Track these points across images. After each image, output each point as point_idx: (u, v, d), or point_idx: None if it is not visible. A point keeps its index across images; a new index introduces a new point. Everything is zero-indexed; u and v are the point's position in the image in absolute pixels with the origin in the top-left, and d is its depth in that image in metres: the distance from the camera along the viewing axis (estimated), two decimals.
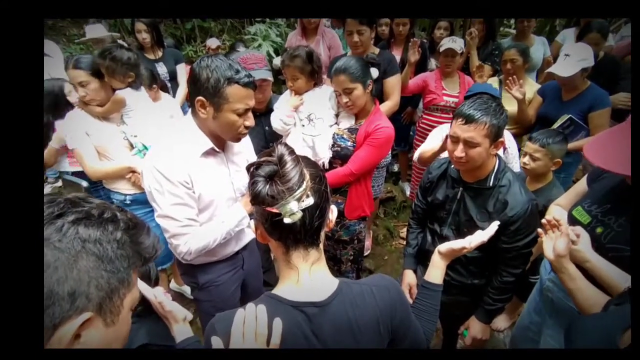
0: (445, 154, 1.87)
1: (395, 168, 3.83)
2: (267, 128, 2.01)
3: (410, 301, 1.00)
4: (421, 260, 1.63)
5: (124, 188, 1.94)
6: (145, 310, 1.03)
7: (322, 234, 0.78)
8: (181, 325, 0.98)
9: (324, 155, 1.83)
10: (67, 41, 5.18)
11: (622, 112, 2.39)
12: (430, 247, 1.53)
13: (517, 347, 1.71)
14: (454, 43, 2.54)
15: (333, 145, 1.83)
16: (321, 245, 0.79)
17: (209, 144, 1.29)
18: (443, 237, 1.48)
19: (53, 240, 0.47)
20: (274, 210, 0.68)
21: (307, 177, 0.71)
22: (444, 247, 1.03)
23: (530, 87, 2.55)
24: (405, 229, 2.09)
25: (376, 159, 1.81)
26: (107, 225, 0.52)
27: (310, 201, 0.69)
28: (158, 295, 0.98)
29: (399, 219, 3.35)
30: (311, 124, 1.87)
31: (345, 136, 1.81)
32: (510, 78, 2.36)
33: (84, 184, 2.01)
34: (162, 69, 3.05)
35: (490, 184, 1.37)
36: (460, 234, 1.39)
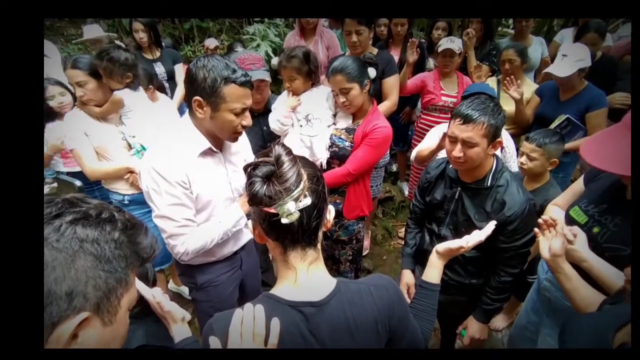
0: (443, 154, 1.87)
1: (394, 168, 3.83)
2: (265, 128, 2.01)
3: (408, 301, 1.00)
4: (419, 260, 1.64)
5: (122, 188, 1.94)
6: (142, 311, 1.02)
7: (320, 234, 0.79)
8: (180, 325, 0.98)
9: (321, 156, 1.83)
10: (64, 41, 5.17)
11: (620, 112, 2.40)
12: (429, 247, 1.54)
13: (515, 346, 1.71)
14: (452, 43, 2.55)
15: (331, 146, 1.83)
16: (319, 245, 0.79)
17: (206, 144, 1.29)
18: (441, 237, 1.48)
19: (51, 240, 0.48)
20: (272, 210, 0.68)
21: (305, 177, 0.71)
22: (441, 246, 1.03)
23: (528, 87, 2.56)
24: (403, 229, 2.09)
25: (374, 159, 1.81)
26: (105, 226, 0.53)
27: (307, 201, 0.70)
28: (156, 296, 0.98)
29: (397, 219, 3.36)
30: (309, 124, 1.87)
31: (343, 136, 1.81)
32: (508, 78, 2.37)
33: (77, 183, 2.02)
34: (160, 69, 3.05)
35: (488, 184, 1.38)
36: (458, 233, 1.39)
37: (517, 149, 2.08)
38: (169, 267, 2.41)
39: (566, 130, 2.21)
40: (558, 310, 1.36)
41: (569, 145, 2.08)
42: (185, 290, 2.39)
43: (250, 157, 1.56)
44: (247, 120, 1.28)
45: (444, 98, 2.65)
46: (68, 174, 2.21)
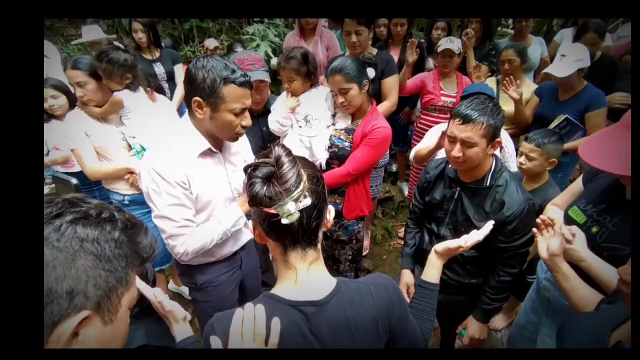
0: (442, 153, 1.87)
1: (394, 168, 3.83)
2: (264, 129, 2.01)
3: (408, 300, 1.00)
4: (419, 259, 1.64)
5: (122, 188, 1.95)
6: (142, 311, 1.03)
7: (320, 234, 0.79)
8: (181, 324, 0.99)
9: (321, 156, 1.83)
10: (64, 41, 5.17)
11: (619, 112, 2.40)
12: (428, 247, 1.54)
13: (515, 346, 1.72)
14: (452, 43, 2.55)
15: (330, 146, 1.83)
16: (319, 245, 0.79)
17: (206, 145, 1.30)
18: (440, 236, 1.48)
19: (51, 240, 0.48)
20: (272, 211, 0.69)
21: (305, 178, 0.71)
22: (440, 246, 1.03)
23: (528, 88, 2.56)
24: (403, 229, 2.10)
25: (373, 159, 1.81)
26: (105, 225, 0.53)
27: (307, 202, 0.70)
28: (158, 295, 0.98)
29: (397, 219, 3.36)
30: (308, 125, 1.87)
31: (342, 137, 1.81)
32: (507, 78, 2.37)
33: (74, 181, 2.04)
34: (159, 70, 3.05)
35: (487, 184, 1.38)
36: (457, 233, 1.39)
37: (516, 149, 2.08)
38: (169, 268, 2.41)
39: (565, 130, 2.21)
40: (557, 309, 1.37)
41: (568, 145, 2.08)
42: (185, 290, 2.39)
43: (250, 158, 1.56)
44: (247, 120, 1.28)
45: (443, 98, 2.66)
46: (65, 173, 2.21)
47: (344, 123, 1.84)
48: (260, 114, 2.00)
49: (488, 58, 3.02)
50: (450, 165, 1.47)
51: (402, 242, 1.78)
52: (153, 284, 1.15)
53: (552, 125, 2.23)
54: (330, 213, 0.81)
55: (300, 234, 0.73)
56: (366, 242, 2.92)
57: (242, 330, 0.68)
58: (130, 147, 1.93)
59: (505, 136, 2.00)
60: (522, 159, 1.85)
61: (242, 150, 1.51)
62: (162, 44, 3.17)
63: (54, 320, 0.47)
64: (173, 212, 1.26)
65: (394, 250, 3.03)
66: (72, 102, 2.21)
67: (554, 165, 1.84)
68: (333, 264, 2.06)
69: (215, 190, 1.36)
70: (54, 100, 2.18)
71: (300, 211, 0.69)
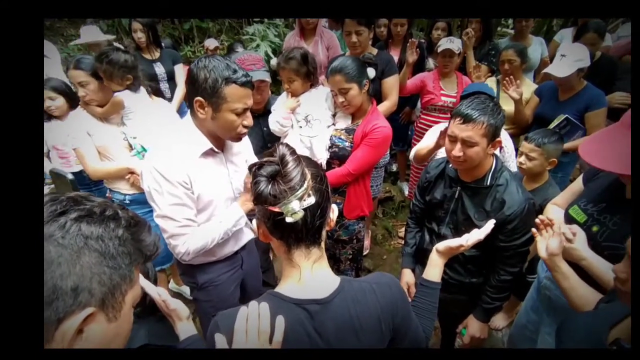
0: (442, 153, 1.88)
1: (394, 168, 3.83)
2: (265, 129, 2.01)
3: (409, 300, 1.00)
4: (419, 259, 1.64)
5: (124, 188, 1.96)
6: (144, 311, 1.03)
7: (324, 233, 0.79)
8: (185, 323, 0.99)
9: (321, 156, 1.83)
10: (64, 41, 5.17)
11: (619, 112, 2.40)
12: (429, 246, 1.54)
13: (515, 345, 1.72)
14: (452, 43, 2.55)
15: (331, 146, 1.83)
16: (322, 244, 0.80)
17: (208, 145, 1.30)
18: (441, 236, 1.49)
19: (56, 237, 0.48)
20: (276, 209, 0.69)
21: (309, 176, 0.72)
22: (441, 245, 1.04)
23: (528, 88, 2.56)
24: (403, 229, 2.10)
25: (374, 159, 1.82)
26: (109, 223, 0.53)
27: (311, 200, 0.70)
28: (162, 294, 0.98)
29: (397, 219, 3.36)
30: (308, 125, 1.87)
31: (342, 137, 1.81)
32: (507, 78, 2.37)
33: (69, 176, 2.07)
34: (159, 70, 3.05)
35: (488, 183, 1.38)
36: (458, 233, 1.39)
37: (516, 149, 2.08)
38: (170, 267, 2.42)
39: (565, 130, 2.21)
40: (558, 308, 1.37)
41: (567, 145, 2.09)
42: (186, 290, 2.39)
43: (251, 158, 1.56)
44: (249, 120, 1.28)
45: (443, 98, 2.66)
46: None
47: (344, 123, 1.85)
48: (261, 114, 2.00)
49: (488, 58, 3.03)
50: (450, 165, 1.48)
51: (403, 242, 1.78)
52: (154, 283, 1.15)
53: (552, 125, 2.23)
54: (334, 212, 0.81)
55: (304, 233, 0.73)
56: (367, 242, 2.92)
57: (246, 328, 0.69)
58: (131, 148, 1.93)
59: (504, 136, 2.00)
60: (522, 158, 1.85)
61: (244, 151, 1.51)
62: (162, 44, 3.17)
63: (59, 316, 0.47)
64: (175, 211, 1.26)
65: (395, 250, 3.03)
66: (72, 103, 2.22)
67: (554, 165, 1.84)
68: (334, 264, 2.07)
69: (217, 190, 1.36)
70: (51, 101, 2.20)
71: (305, 210, 0.70)
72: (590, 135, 2.06)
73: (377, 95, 2.32)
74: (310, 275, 0.76)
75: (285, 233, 0.74)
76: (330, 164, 1.86)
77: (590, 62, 2.23)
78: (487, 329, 1.56)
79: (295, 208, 0.68)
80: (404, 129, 3.40)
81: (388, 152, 2.58)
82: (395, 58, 2.71)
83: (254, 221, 0.81)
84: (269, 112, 1.97)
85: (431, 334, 0.98)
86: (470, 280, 1.50)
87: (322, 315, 0.74)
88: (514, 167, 1.99)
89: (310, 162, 0.78)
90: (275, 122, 1.91)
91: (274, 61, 3.87)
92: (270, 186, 0.70)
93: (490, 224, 1.09)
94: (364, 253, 2.83)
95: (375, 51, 2.44)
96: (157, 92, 2.48)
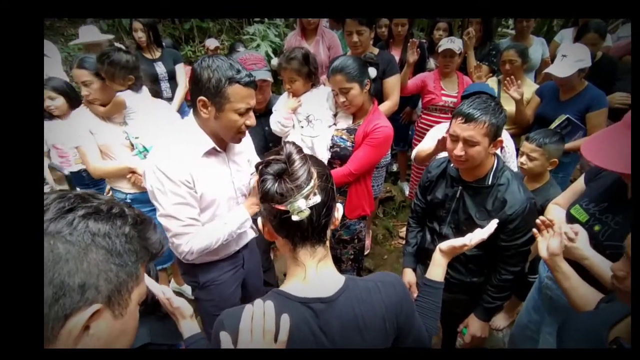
0: (443, 153, 1.88)
1: (395, 168, 3.84)
2: (266, 129, 2.01)
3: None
4: (420, 258, 1.65)
5: (125, 187, 1.96)
6: (146, 310, 1.03)
7: (329, 232, 0.80)
8: (188, 321, 0.99)
9: (323, 156, 1.83)
10: (65, 41, 5.17)
11: (620, 112, 2.41)
12: (430, 246, 1.55)
13: (516, 345, 1.72)
14: (453, 43, 2.56)
15: (332, 146, 1.83)
16: (327, 243, 0.80)
17: (210, 144, 1.30)
18: (442, 235, 1.49)
19: (64, 234, 0.49)
20: (283, 207, 0.69)
21: (315, 175, 0.72)
22: (445, 244, 1.04)
23: (529, 88, 2.57)
24: (404, 229, 2.10)
25: (375, 159, 1.82)
26: (116, 220, 0.54)
27: (317, 199, 0.71)
28: (166, 292, 0.99)
29: (398, 219, 3.37)
30: (310, 125, 1.87)
31: (344, 136, 1.82)
32: (508, 78, 2.38)
33: (66, 172, 2.11)
34: (160, 69, 3.06)
35: (489, 183, 1.39)
36: (459, 232, 1.40)
37: (517, 149, 2.09)
38: (171, 266, 2.42)
39: (566, 130, 2.22)
40: (559, 308, 1.37)
41: (568, 145, 2.09)
42: (187, 289, 2.39)
43: (254, 158, 1.56)
44: (251, 120, 1.28)
45: (444, 98, 2.66)
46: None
47: (345, 123, 1.85)
48: (263, 113, 2.00)
49: (488, 58, 3.03)
50: (452, 164, 1.48)
51: (403, 242, 1.78)
52: (156, 282, 1.15)
53: (553, 125, 2.23)
54: (339, 211, 0.82)
55: (309, 231, 0.73)
56: (367, 242, 2.93)
57: (251, 327, 0.69)
58: (133, 147, 1.93)
59: (505, 136, 2.00)
60: (523, 159, 1.85)
61: (246, 150, 1.51)
62: (163, 44, 3.17)
63: (66, 313, 0.47)
64: (178, 211, 1.26)
65: (395, 250, 3.04)
66: (73, 103, 2.22)
67: (555, 165, 1.84)
68: (335, 264, 2.06)
69: (219, 190, 1.36)
70: (51, 101, 2.21)
71: (311, 208, 0.70)
72: (591, 134, 2.07)
73: (379, 95, 2.33)
74: (315, 274, 0.76)
75: (290, 231, 0.74)
76: (331, 163, 1.86)
77: (591, 63, 2.24)
78: (488, 328, 1.56)
79: (301, 206, 0.69)
80: (404, 129, 3.40)
81: (389, 152, 2.58)
82: (396, 58, 2.71)
83: (258, 220, 0.81)
84: (271, 111, 1.97)
85: (434, 333, 0.98)
86: (472, 279, 1.51)
87: (327, 314, 0.74)
88: (514, 167, 1.99)
89: (316, 160, 0.78)
90: (276, 122, 1.91)
91: (274, 61, 3.87)
92: (277, 184, 0.70)
93: (493, 224, 1.09)
94: (365, 253, 2.83)
95: (376, 51, 2.45)
96: (155, 93, 2.48)
